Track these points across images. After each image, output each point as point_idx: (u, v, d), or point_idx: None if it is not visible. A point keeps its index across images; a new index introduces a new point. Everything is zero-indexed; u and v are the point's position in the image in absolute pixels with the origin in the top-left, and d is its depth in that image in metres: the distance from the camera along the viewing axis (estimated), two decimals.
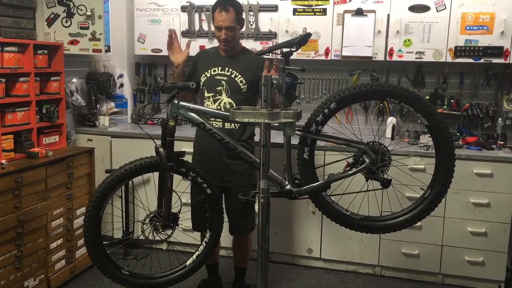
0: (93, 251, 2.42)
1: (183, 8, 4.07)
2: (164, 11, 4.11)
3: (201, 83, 2.85)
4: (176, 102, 2.37)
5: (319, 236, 3.66)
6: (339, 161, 2.37)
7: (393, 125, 3.87)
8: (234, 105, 2.77)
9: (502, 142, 3.59)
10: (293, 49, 2.25)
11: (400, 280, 3.58)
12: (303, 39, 2.23)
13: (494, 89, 3.81)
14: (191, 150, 3.04)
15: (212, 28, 3.93)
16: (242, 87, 2.79)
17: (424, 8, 3.59)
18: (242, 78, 2.79)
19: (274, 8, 3.85)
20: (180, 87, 2.33)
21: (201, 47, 4.04)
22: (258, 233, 2.04)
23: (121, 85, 4.41)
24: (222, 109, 2.77)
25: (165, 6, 4.11)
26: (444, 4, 3.55)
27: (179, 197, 2.48)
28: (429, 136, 3.57)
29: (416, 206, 2.26)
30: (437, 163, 2.21)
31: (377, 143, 2.23)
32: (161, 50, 4.15)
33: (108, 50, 4.09)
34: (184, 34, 4.08)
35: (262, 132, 1.95)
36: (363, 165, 2.20)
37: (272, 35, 3.89)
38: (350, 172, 2.23)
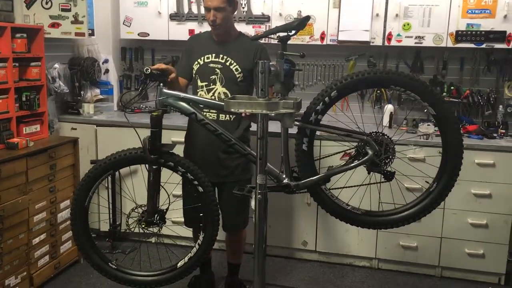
0: (80, 242, 2.43)
1: None
2: None
3: (194, 72, 2.70)
4: (165, 90, 2.23)
5: (315, 228, 3.56)
6: (339, 152, 2.24)
7: (391, 113, 3.76)
8: (229, 95, 2.62)
9: (504, 131, 3.49)
10: (290, 34, 2.12)
11: (398, 273, 3.51)
12: (302, 23, 2.09)
13: (495, 76, 3.70)
14: (181, 139, 2.90)
15: (202, 11, 3.81)
16: (237, 75, 2.64)
17: None
18: (237, 66, 2.63)
19: None
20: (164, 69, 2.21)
21: (191, 31, 3.88)
22: (255, 232, 1.92)
23: (106, 71, 4.23)
24: (217, 99, 2.63)
25: None
26: None
27: (168, 194, 2.36)
28: (434, 126, 3.49)
29: (421, 200, 2.16)
30: (444, 155, 2.10)
31: (380, 134, 2.11)
32: (148, 34, 3.99)
33: (92, 34, 3.93)
34: (173, 17, 3.91)
35: (259, 123, 1.81)
36: (365, 157, 2.09)
37: (265, 18, 3.73)
38: (352, 164, 2.11)
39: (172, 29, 3.92)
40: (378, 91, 3.87)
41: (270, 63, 1.82)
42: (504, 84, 3.65)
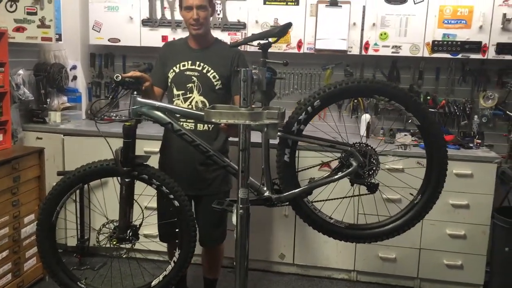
0: (46, 260, 2.29)
1: None
2: None
3: (169, 80, 2.60)
4: (139, 99, 2.12)
5: (292, 241, 3.49)
6: (324, 163, 2.18)
7: (368, 122, 3.74)
8: (207, 103, 2.54)
9: (480, 141, 3.52)
10: (271, 41, 2.05)
11: (376, 285, 3.47)
12: (283, 30, 2.03)
13: (470, 86, 3.74)
14: (155, 149, 2.79)
15: (177, 16, 3.72)
16: (215, 83, 2.55)
17: (401, 0, 3.46)
18: (215, 73, 2.55)
19: None
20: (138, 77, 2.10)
21: (164, 37, 3.78)
22: (236, 249, 1.83)
23: (74, 78, 4.08)
24: (194, 109, 2.54)
25: None
26: None
27: (142, 208, 2.25)
28: (412, 136, 3.50)
29: (405, 212, 2.12)
30: (429, 166, 2.07)
31: (364, 144, 2.06)
32: (119, 40, 3.86)
33: (59, 39, 3.77)
34: (145, 22, 3.79)
35: (241, 134, 1.73)
36: (350, 169, 2.03)
37: (241, 25, 3.67)
38: (336, 176, 2.05)
39: (144, 35, 3.80)
40: (355, 101, 3.85)
41: (253, 71, 1.74)
42: (479, 94, 3.69)
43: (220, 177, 2.62)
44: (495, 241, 3.22)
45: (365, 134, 3.70)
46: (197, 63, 2.55)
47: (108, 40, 3.87)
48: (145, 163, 2.21)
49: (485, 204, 3.21)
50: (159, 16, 3.78)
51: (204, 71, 2.54)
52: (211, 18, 2.63)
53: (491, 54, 3.41)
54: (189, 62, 2.56)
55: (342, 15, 3.54)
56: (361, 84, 1.98)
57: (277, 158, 2.09)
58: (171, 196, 2.23)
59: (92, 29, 3.87)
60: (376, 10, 3.49)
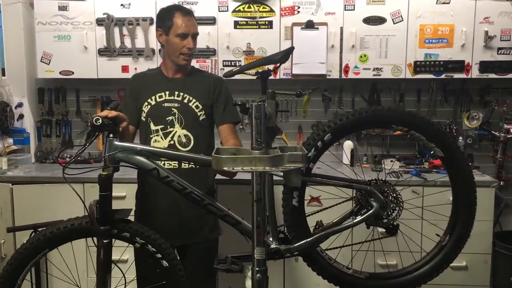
0: None
1: (99, 22, 3.47)
2: (74, 25, 3.48)
3: (144, 114, 2.30)
4: (116, 142, 1.81)
5: (282, 284, 3.20)
6: (338, 204, 1.95)
7: (352, 149, 3.57)
8: (192, 137, 2.26)
9: (469, 164, 3.41)
10: (271, 69, 1.83)
11: None
12: (286, 55, 1.82)
13: (453, 106, 3.67)
14: (121, 194, 2.47)
15: (138, 44, 3.43)
16: (199, 113, 2.28)
17: (380, 20, 3.36)
18: (197, 103, 2.28)
19: (211, 21, 3.40)
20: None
21: (124, 67, 3.48)
22: None
23: (21, 117, 3.70)
24: (177, 144, 2.25)
25: (75, 19, 3.48)
26: (401, 16, 3.34)
27: (123, 273, 1.91)
28: (399, 161, 3.35)
29: (433, 256, 1.91)
30: (455, 203, 1.90)
31: (384, 182, 1.84)
32: (72, 72, 3.52)
33: (2, 74, 3.43)
34: (102, 52, 3.47)
35: (255, 181, 1.46)
36: (370, 211, 1.80)
37: (210, 52, 3.43)
38: (355, 221, 1.81)
39: (101, 66, 3.49)
40: None
41: (264, 105, 1.49)
42: (462, 114, 3.62)
43: (210, 223, 2.32)
44: (497, 271, 3.08)
45: (349, 162, 3.54)
46: (176, 93, 2.28)
47: (60, 73, 3.53)
48: (126, 218, 1.88)
49: (485, 231, 3.09)
50: (117, 44, 3.48)
51: (185, 101, 2.27)
52: None
53: (474, 73, 3.35)
54: (167, 92, 2.28)
55: (319, 38, 3.38)
56: (376, 114, 1.78)
57: (283, 203, 1.83)
58: (159, 256, 1.90)
59: (41, 61, 3.52)
60: (354, 31, 3.37)
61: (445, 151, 1.82)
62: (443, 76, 3.38)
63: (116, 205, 1.87)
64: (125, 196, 3.10)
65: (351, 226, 1.82)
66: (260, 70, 1.81)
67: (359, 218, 1.82)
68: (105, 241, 1.82)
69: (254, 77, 1.84)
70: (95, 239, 1.85)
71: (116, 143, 1.81)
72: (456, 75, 3.37)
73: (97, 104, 3.76)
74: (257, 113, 1.41)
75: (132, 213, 2.19)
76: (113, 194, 1.81)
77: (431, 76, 3.39)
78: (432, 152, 1.90)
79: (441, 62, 3.35)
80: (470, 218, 1.87)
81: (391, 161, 3.48)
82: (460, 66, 3.35)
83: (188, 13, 2.27)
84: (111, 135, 1.82)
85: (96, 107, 3.78)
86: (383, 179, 1.86)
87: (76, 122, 3.85)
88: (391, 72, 3.40)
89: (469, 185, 1.85)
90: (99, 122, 1.73)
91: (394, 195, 1.84)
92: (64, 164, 1.78)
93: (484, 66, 3.33)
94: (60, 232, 1.84)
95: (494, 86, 3.58)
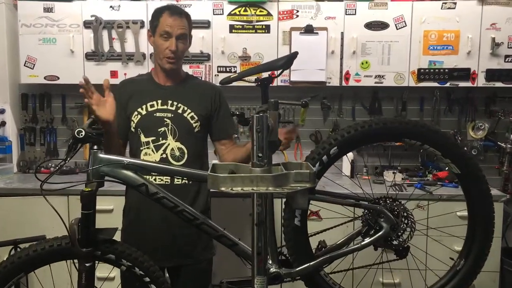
0: None
1: (87, 24, 3.32)
2: (60, 27, 3.32)
3: (133, 125, 2.14)
4: (101, 155, 1.66)
5: None
6: (342, 224, 1.80)
7: (352, 160, 3.43)
8: (186, 150, 2.11)
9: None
10: (272, 76, 1.68)
11: None
12: (289, 61, 1.68)
13: (457, 116, 3.54)
14: (108, 207, 2.30)
15: (128, 48, 3.28)
16: (194, 125, 2.13)
17: (382, 26, 3.24)
18: (193, 113, 2.13)
19: (205, 25, 3.25)
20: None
21: (113, 73, 3.32)
22: None
23: (3, 124, 3.53)
24: (170, 158, 2.09)
25: (61, 21, 3.32)
26: (404, 21, 3.22)
27: None
28: (401, 173, 3.21)
29: (447, 281, 1.76)
30: (471, 224, 1.75)
31: (394, 201, 1.70)
32: (58, 78, 3.36)
33: None
34: (90, 56, 3.32)
35: (256, 203, 1.31)
36: (380, 233, 1.66)
37: (204, 57, 3.28)
38: (363, 243, 1.66)
39: (89, 71, 3.32)
40: None
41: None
42: (467, 124, 3.50)
43: (204, 242, 2.17)
44: None
45: (349, 174, 3.40)
46: (169, 102, 2.12)
47: (44, 78, 3.36)
48: (111, 238, 1.72)
49: (493, 249, 2.92)
50: (106, 48, 3.32)
51: (179, 111, 2.12)
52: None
53: (480, 81, 3.24)
54: (159, 101, 2.13)
55: (319, 43, 3.25)
56: (388, 126, 1.64)
57: (285, 223, 1.68)
58: (147, 279, 1.74)
59: (24, 65, 3.35)
60: (355, 36, 3.24)
61: (461, 168, 1.68)
62: (448, 85, 3.26)
63: (102, 219, 1.71)
64: (112, 209, 2.96)
65: (359, 249, 1.67)
66: (260, 77, 1.65)
67: (367, 240, 1.67)
68: (87, 264, 1.66)
69: (253, 84, 1.69)
70: (76, 261, 1.70)
71: (101, 155, 1.65)
72: (462, 84, 3.25)
73: (84, 111, 3.60)
74: (259, 125, 1.26)
75: (120, 229, 2.06)
76: (99, 207, 1.65)
77: (435, 84, 3.27)
78: (447, 168, 1.74)
79: (446, 70, 3.23)
80: (488, 241, 1.73)
81: (393, 172, 3.35)
82: (466, 74, 3.23)
83: (177, 12, 2.10)
84: (95, 147, 1.67)
85: (83, 114, 3.62)
86: (393, 196, 1.73)
87: (61, 129, 3.68)
88: (394, 80, 3.27)
89: (487, 205, 1.70)
90: (82, 135, 1.57)
91: (405, 214, 1.71)
92: (46, 176, 1.62)
93: (491, 75, 3.21)
94: (37, 254, 1.67)
95: (500, 95, 3.46)
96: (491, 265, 2.96)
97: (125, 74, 3.29)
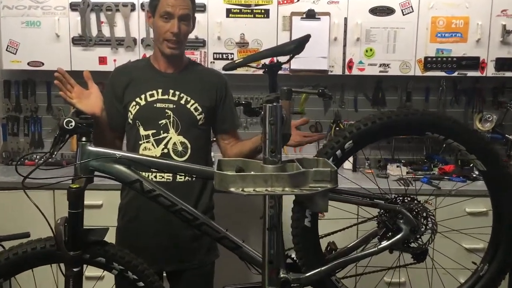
0: None
1: (73, 6, 3.13)
2: (45, 9, 3.13)
3: (131, 116, 1.98)
4: (90, 147, 1.50)
5: None
6: (354, 225, 1.67)
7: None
8: (189, 145, 1.96)
9: None
10: (282, 62, 1.54)
11: None
12: (300, 45, 1.52)
13: (463, 107, 3.42)
14: (97, 202, 2.14)
15: (118, 33, 3.10)
16: (198, 117, 1.97)
17: (387, 11, 3.09)
18: (197, 105, 1.97)
19: (201, 8, 3.07)
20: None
21: (101, 59, 3.15)
22: None
23: None
24: (172, 153, 1.94)
25: (46, 3, 3.13)
26: (411, 6, 3.08)
27: None
28: (412, 169, 3.08)
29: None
30: (496, 226, 1.63)
31: (414, 200, 1.57)
32: (42, 64, 3.18)
33: None
34: (76, 41, 3.14)
35: (268, 204, 1.17)
36: (398, 236, 1.53)
37: (199, 43, 3.11)
38: (380, 246, 1.53)
39: (76, 57, 3.15)
40: (337, 128, 3.39)
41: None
42: (474, 116, 3.38)
43: (207, 244, 2.02)
44: None
45: (351, 167, 3.27)
46: (171, 91, 1.96)
47: (28, 64, 3.18)
48: (102, 240, 1.57)
49: None
50: (94, 33, 3.14)
51: (182, 101, 1.95)
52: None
53: (490, 71, 3.11)
54: (159, 90, 1.96)
55: (321, 29, 3.09)
56: (409, 118, 1.51)
57: (294, 223, 1.54)
58: (141, 284, 1.60)
59: (6, 50, 3.16)
60: (360, 22, 3.09)
61: (488, 165, 1.55)
62: (456, 74, 3.13)
63: (91, 215, 1.55)
64: (101, 204, 2.82)
65: (375, 253, 1.54)
66: (267, 63, 1.51)
67: (384, 243, 1.54)
68: (75, 269, 1.51)
69: (259, 71, 1.54)
70: (62, 265, 1.55)
71: (90, 148, 1.50)
72: (470, 73, 3.13)
73: None
74: (272, 117, 1.11)
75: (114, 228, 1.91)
76: (87, 202, 1.50)
77: (442, 73, 3.14)
78: (471, 165, 1.62)
79: (454, 59, 3.09)
80: None
81: (397, 166, 3.22)
82: (475, 63, 3.10)
83: None
84: (83, 139, 1.51)
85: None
86: (412, 195, 1.60)
87: (46, 119, 3.49)
88: (399, 69, 3.13)
89: None
90: (71, 126, 1.41)
91: (425, 214, 1.58)
92: (28, 171, 1.46)
93: (501, 64, 3.09)
94: (18, 258, 1.52)
95: (509, 85, 3.34)
96: None
97: (114, 60, 3.12)
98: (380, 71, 3.14)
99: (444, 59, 3.10)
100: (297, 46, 1.49)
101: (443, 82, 3.35)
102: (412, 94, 3.41)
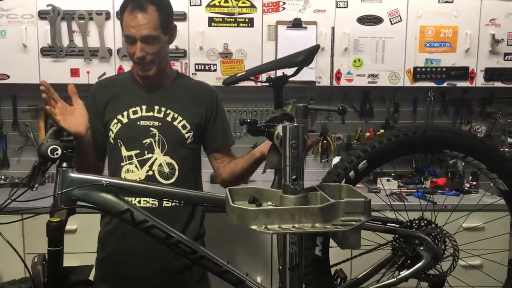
0: None
1: (42, 14, 2.93)
2: (10, 18, 2.92)
3: (112, 135, 1.80)
4: (73, 174, 1.32)
5: None
6: (371, 251, 1.54)
7: None
8: (176, 166, 1.79)
9: (475, 183, 3.11)
10: (288, 74, 1.41)
11: None
12: (310, 56, 1.39)
13: (451, 118, 3.37)
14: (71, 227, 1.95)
15: (91, 43, 2.91)
16: (186, 135, 1.81)
17: (376, 20, 3.01)
18: (184, 122, 1.80)
19: (181, 17, 2.92)
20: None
21: (73, 71, 2.94)
22: None
23: None
24: (157, 175, 1.77)
25: (12, 11, 2.92)
26: (399, 15, 3.01)
27: None
28: (398, 179, 2.98)
29: None
30: None
31: (434, 225, 1.46)
32: (8, 76, 2.97)
33: None
34: (46, 52, 2.93)
35: (289, 240, 1.02)
36: (420, 264, 1.41)
37: (180, 53, 2.96)
38: (399, 277, 1.40)
39: (45, 69, 2.95)
40: (325, 141, 3.28)
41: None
42: (462, 127, 3.33)
43: (198, 275, 1.85)
44: None
45: None
46: (156, 107, 1.79)
47: None
48: (85, 279, 1.39)
49: (500, 262, 2.76)
50: (65, 43, 2.94)
51: (168, 118, 1.79)
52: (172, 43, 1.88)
53: (479, 81, 3.07)
54: (144, 107, 1.79)
55: (307, 39, 2.98)
56: (427, 135, 1.39)
57: (304, 253, 1.40)
58: None
59: None
60: (347, 32, 3.00)
61: (510, 185, 1.45)
62: (445, 85, 3.07)
63: (65, 241, 1.34)
64: (76, 229, 2.62)
65: (394, 284, 1.41)
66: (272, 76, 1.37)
67: (404, 272, 1.41)
68: None
69: (264, 85, 1.41)
70: None
71: (72, 175, 1.33)
72: (460, 83, 3.07)
73: (40, 114, 3.19)
74: (294, 140, 0.97)
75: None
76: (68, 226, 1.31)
77: (432, 84, 3.07)
78: (492, 185, 1.51)
79: (444, 69, 3.04)
80: None
81: (388, 180, 3.13)
82: (464, 73, 3.05)
83: (138, 6, 1.68)
84: (64, 164, 1.33)
85: (38, 118, 3.21)
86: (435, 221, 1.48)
87: (12, 136, 3.26)
88: (388, 79, 3.05)
89: None
90: (57, 154, 1.23)
91: (447, 240, 1.47)
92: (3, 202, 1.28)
93: (490, 74, 3.05)
94: None
95: (498, 95, 3.31)
96: (498, 280, 2.79)
97: (88, 72, 2.93)
98: (369, 82, 3.05)
99: (434, 69, 3.04)
100: (306, 57, 1.36)
101: (430, 92, 3.29)
102: (400, 105, 3.34)
